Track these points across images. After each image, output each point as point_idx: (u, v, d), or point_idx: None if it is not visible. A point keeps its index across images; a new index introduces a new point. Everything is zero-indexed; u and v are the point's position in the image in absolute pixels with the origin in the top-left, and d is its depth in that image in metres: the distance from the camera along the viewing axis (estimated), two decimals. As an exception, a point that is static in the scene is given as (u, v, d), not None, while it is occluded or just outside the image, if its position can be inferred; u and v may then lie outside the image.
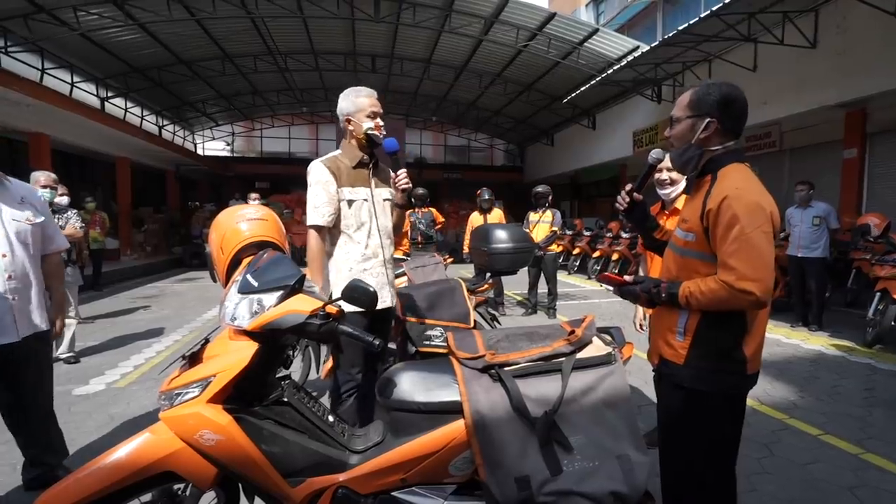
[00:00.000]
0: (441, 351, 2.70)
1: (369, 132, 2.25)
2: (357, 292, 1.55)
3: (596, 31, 11.04)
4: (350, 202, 2.25)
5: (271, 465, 1.48)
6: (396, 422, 1.62)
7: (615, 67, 10.70)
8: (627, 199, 1.76)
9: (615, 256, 9.98)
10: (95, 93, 12.59)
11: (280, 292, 1.52)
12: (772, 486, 2.47)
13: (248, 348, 1.48)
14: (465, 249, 6.12)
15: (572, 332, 1.72)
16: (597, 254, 10.50)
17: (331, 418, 1.70)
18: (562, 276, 9.92)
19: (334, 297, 1.58)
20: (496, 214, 6.84)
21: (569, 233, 12.12)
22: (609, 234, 10.62)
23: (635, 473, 1.53)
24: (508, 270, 3.46)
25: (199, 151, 19.95)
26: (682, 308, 1.49)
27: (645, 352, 1.85)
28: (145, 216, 14.98)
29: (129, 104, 14.13)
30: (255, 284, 1.55)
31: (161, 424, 1.46)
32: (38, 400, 2.36)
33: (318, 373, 3.56)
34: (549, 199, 6.62)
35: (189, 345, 2.24)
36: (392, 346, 3.14)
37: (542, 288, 6.70)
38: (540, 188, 6.66)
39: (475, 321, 3.12)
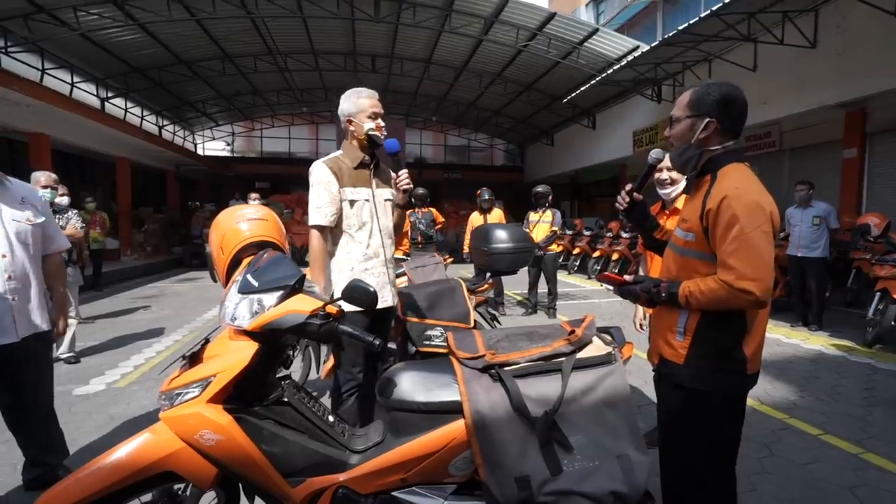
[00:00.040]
0: (441, 351, 2.70)
1: (370, 133, 2.27)
2: (357, 292, 1.56)
3: (596, 30, 11.04)
4: (352, 202, 2.26)
5: (271, 465, 1.48)
6: (396, 422, 1.62)
7: (615, 67, 10.69)
8: (627, 199, 1.76)
9: (615, 256, 9.98)
10: (95, 93, 12.59)
11: (280, 292, 1.52)
12: (772, 485, 2.47)
13: (248, 348, 1.49)
14: (465, 249, 6.12)
15: (572, 331, 1.72)
16: (597, 254, 10.50)
17: (331, 418, 1.70)
18: (562, 276, 9.93)
19: (335, 297, 1.58)
20: (496, 214, 6.84)
21: (569, 233, 12.12)
22: (609, 234, 10.63)
23: (635, 473, 1.53)
24: (508, 270, 3.46)
25: (199, 151, 19.95)
26: (682, 308, 1.49)
27: (645, 352, 1.85)
28: (145, 216, 14.98)
29: (129, 104, 14.13)
30: (256, 284, 1.55)
31: (161, 424, 1.47)
32: (38, 400, 2.37)
33: (318, 373, 3.56)
34: (549, 198, 6.62)
35: (189, 345, 2.24)
36: (392, 346, 3.14)
37: (542, 288, 6.70)
38: (540, 188, 6.66)
39: (475, 321, 3.12)
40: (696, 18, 7.81)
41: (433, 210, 7.23)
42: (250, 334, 1.50)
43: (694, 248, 1.50)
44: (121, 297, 8.64)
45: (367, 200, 2.30)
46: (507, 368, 1.61)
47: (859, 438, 2.99)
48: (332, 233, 2.28)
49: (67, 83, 11.35)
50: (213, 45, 12.36)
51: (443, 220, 7.61)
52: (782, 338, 5.44)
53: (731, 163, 1.50)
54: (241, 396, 1.49)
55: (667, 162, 2.40)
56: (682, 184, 2.55)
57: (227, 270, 1.81)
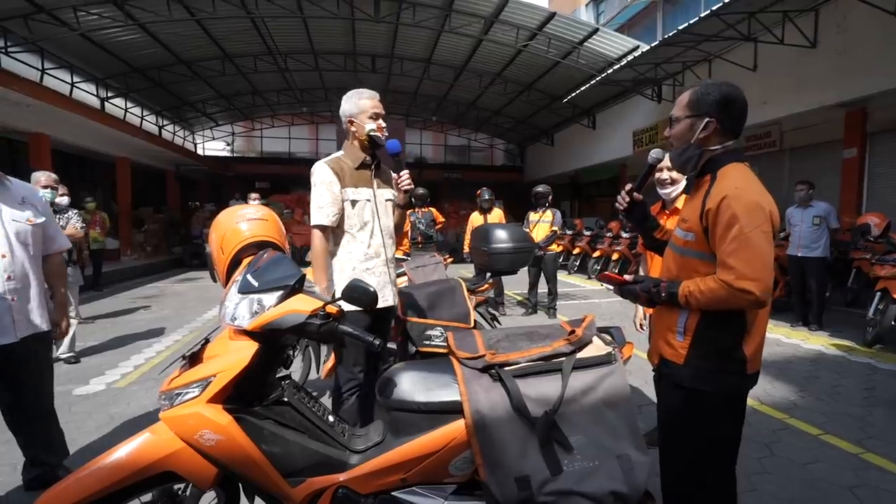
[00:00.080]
0: (441, 351, 2.70)
1: (372, 133, 2.28)
2: (357, 292, 1.56)
3: (596, 30, 11.04)
4: (353, 202, 2.28)
5: (271, 465, 1.48)
6: (396, 422, 1.62)
7: (615, 67, 10.70)
8: (627, 199, 1.76)
9: (615, 256, 9.98)
10: (95, 93, 12.59)
11: (280, 292, 1.52)
12: (772, 485, 2.47)
13: (248, 348, 1.49)
14: (466, 249, 6.12)
15: (572, 331, 1.72)
16: (597, 253, 10.50)
17: (331, 418, 1.70)
18: (562, 276, 9.93)
19: (335, 297, 1.58)
20: (496, 214, 6.84)
21: (569, 233, 12.13)
22: (609, 234, 10.63)
23: (635, 473, 1.53)
24: (508, 270, 3.46)
25: (199, 151, 19.94)
26: (682, 308, 1.49)
27: (645, 352, 1.85)
28: (145, 216, 14.98)
29: (129, 104, 14.13)
30: (256, 284, 1.55)
31: (161, 424, 1.47)
32: (38, 400, 2.36)
33: (318, 373, 3.56)
34: (549, 198, 6.62)
35: (189, 345, 2.24)
36: (392, 345, 3.14)
37: (543, 288, 6.70)
38: (540, 188, 6.66)
39: (475, 321, 3.12)
40: (696, 18, 7.81)
41: (433, 210, 7.23)
42: (250, 334, 1.50)
43: (694, 248, 1.50)
44: (121, 297, 8.64)
45: (369, 200, 2.32)
46: (507, 368, 1.61)
47: (859, 438, 2.99)
48: (334, 233, 2.30)
49: (67, 83, 11.35)
50: (213, 45, 12.36)
51: (443, 219, 7.61)
52: (782, 338, 5.44)
53: (731, 163, 1.50)
54: (241, 396, 1.49)
55: (667, 162, 2.40)
56: (682, 184, 2.55)
57: (227, 270, 1.82)
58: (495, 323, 4.10)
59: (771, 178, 9.08)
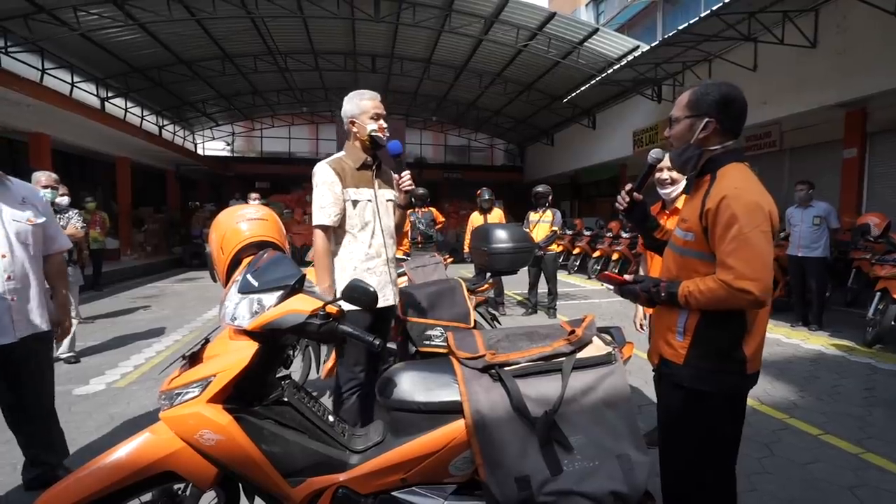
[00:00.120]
0: (441, 351, 2.71)
1: (373, 134, 2.29)
2: (357, 292, 1.56)
3: (596, 30, 11.04)
4: (355, 202, 2.29)
5: (271, 465, 1.48)
6: (396, 422, 1.62)
7: (615, 67, 10.70)
8: (627, 199, 1.76)
9: (615, 256, 9.98)
10: (95, 93, 12.59)
11: (280, 292, 1.52)
12: (772, 485, 2.47)
13: (248, 348, 1.49)
14: (466, 249, 6.12)
15: (572, 331, 1.72)
16: (597, 253, 10.50)
17: (331, 418, 1.70)
18: (562, 276, 9.93)
19: (336, 297, 1.58)
20: (496, 214, 6.84)
21: (569, 233, 12.13)
22: (609, 234, 10.63)
23: (635, 473, 1.53)
24: (508, 270, 3.46)
25: (199, 151, 19.94)
26: (682, 307, 1.49)
27: (645, 352, 1.85)
28: (145, 216, 14.98)
29: (129, 104, 14.13)
30: (256, 284, 1.55)
31: (161, 424, 1.47)
32: (38, 400, 2.36)
33: (318, 373, 3.56)
34: (550, 198, 6.62)
35: (189, 345, 2.24)
36: (392, 345, 3.14)
37: (543, 288, 6.70)
38: (540, 188, 6.66)
39: (475, 321, 3.12)
40: (696, 18, 7.81)
41: (433, 210, 7.23)
42: (250, 334, 1.50)
43: (693, 248, 1.50)
44: (121, 296, 8.64)
45: (370, 201, 2.33)
46: (507, 368, 1.61)
47: (859, 438, 2.99)
48: (336, 233, 2.30)
49: (67, 83, 11.35)
50: (213, 45, 12.36)
51: (443, 219, 7.61)
52: (782, 338, 5.44)
53: (731, 163, 1.50)
54: (241, 396, 1.49)
55: (667, 162, 2.40)
56: (682, 184, 2.55)
57: (227, 270, 1.82)
58: (495, 323, 4.10)
59: (771, 178, 9.09)
